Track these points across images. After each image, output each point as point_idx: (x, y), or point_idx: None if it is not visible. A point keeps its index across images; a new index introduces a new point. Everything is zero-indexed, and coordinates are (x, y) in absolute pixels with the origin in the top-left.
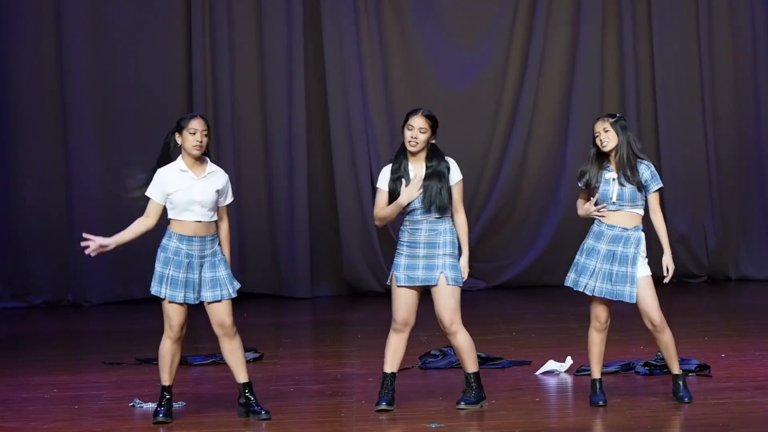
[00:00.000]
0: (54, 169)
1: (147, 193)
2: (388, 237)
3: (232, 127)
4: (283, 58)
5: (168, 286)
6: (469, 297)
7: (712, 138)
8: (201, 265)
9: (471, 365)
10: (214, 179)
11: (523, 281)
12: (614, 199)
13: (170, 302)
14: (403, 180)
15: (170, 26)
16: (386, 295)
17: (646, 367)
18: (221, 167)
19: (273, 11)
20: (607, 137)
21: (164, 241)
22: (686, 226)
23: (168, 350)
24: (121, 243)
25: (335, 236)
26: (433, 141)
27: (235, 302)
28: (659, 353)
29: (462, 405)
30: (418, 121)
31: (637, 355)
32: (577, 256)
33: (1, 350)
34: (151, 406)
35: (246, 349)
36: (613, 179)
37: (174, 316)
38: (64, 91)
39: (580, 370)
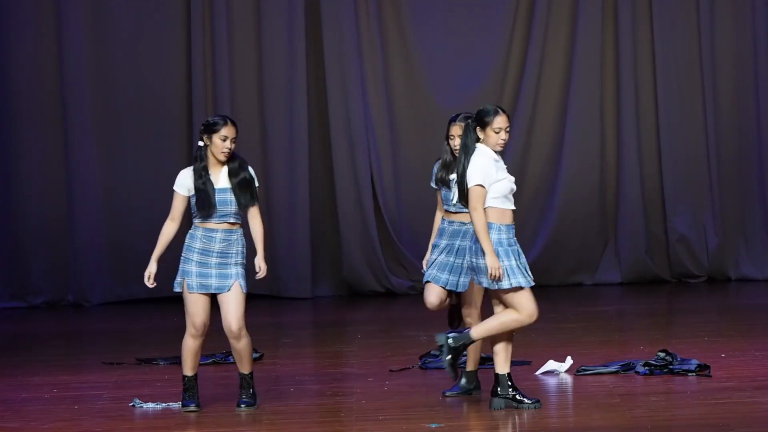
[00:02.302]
0: (54, 169)
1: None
2: (388, 237)
3: None
4: (283, 58)
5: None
6: None
7: (712, 138)
8: None
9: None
10: None
11: None
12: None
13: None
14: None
15: (170, 26)
16: (386, 295)
17: (646, 367)
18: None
19: (273, 11)
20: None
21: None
22: (686, 226)
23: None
24: None
25: (335, 236)
26: None
27: None
28: (659, 353)
29: (243, 408)
30: (231, 131)
31: (637, 355)
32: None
33: (1, 350)
34: (151, 406)
35: None
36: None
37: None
38: (64, 91)
39: (580, 370)
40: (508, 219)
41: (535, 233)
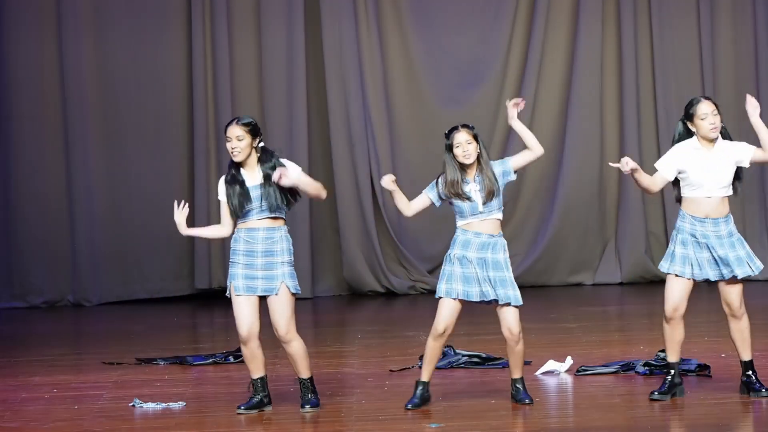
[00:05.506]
0: (54, 169)
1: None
2: (388, 237)
3: None
4: (283, 57)
5: None
6: None
7: None
8: None
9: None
10: None
11: (523, 281)
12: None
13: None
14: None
15: (170, 26)
16: (386, 295)
17: (646, 367)
18: (221, 167)
19: (273, 11)
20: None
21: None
22: None
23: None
24: None
25: (335, 236)
26: (262, 144)
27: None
28: (659, 353)
29: (308, 408)
30: (232, 131)
31: (637, 355)
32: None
33: (1, 350)
34: (151, 406)
35: None
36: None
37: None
38: (65, 91)
39: (580, 370)
40: (694, 210)
41: (535, 233)
